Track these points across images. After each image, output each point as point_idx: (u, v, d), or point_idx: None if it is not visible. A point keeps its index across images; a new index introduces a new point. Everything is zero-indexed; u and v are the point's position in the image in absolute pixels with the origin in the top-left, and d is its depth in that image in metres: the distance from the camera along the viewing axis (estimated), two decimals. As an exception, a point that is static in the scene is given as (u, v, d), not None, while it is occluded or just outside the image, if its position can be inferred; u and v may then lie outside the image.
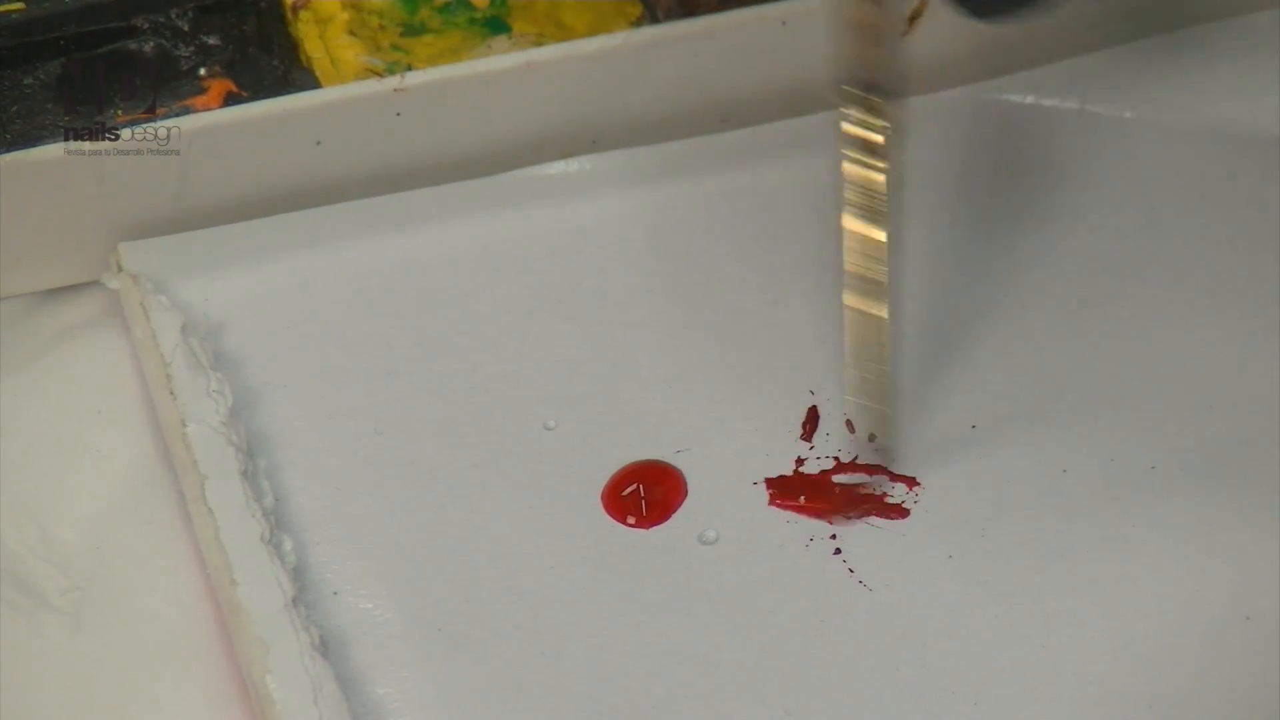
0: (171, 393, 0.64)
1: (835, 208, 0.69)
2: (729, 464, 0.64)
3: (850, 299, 0.62)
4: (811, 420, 0.65)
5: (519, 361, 0.67)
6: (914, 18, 0.73)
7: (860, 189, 0.62)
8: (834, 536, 0.63)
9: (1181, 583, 0.61)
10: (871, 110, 0.61)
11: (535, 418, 0.65)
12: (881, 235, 0.62)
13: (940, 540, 0.62)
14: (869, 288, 0.62)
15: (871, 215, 0.62)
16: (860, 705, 0.59)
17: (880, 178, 0.62)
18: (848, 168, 0.62)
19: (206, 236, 0.69)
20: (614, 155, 0.72)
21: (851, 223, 0.62)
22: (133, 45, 0.71)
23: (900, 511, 0.63)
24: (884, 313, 0.62)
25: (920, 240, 0.70)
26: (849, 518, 0.63)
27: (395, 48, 0.72)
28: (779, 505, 0.63)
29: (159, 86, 0.70)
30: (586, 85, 0.71)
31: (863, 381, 0.63)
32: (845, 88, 0.61)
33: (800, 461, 0.64)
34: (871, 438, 0.63)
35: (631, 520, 0.63)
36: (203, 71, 0.70)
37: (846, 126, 0.61)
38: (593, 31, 0.72)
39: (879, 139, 0.61)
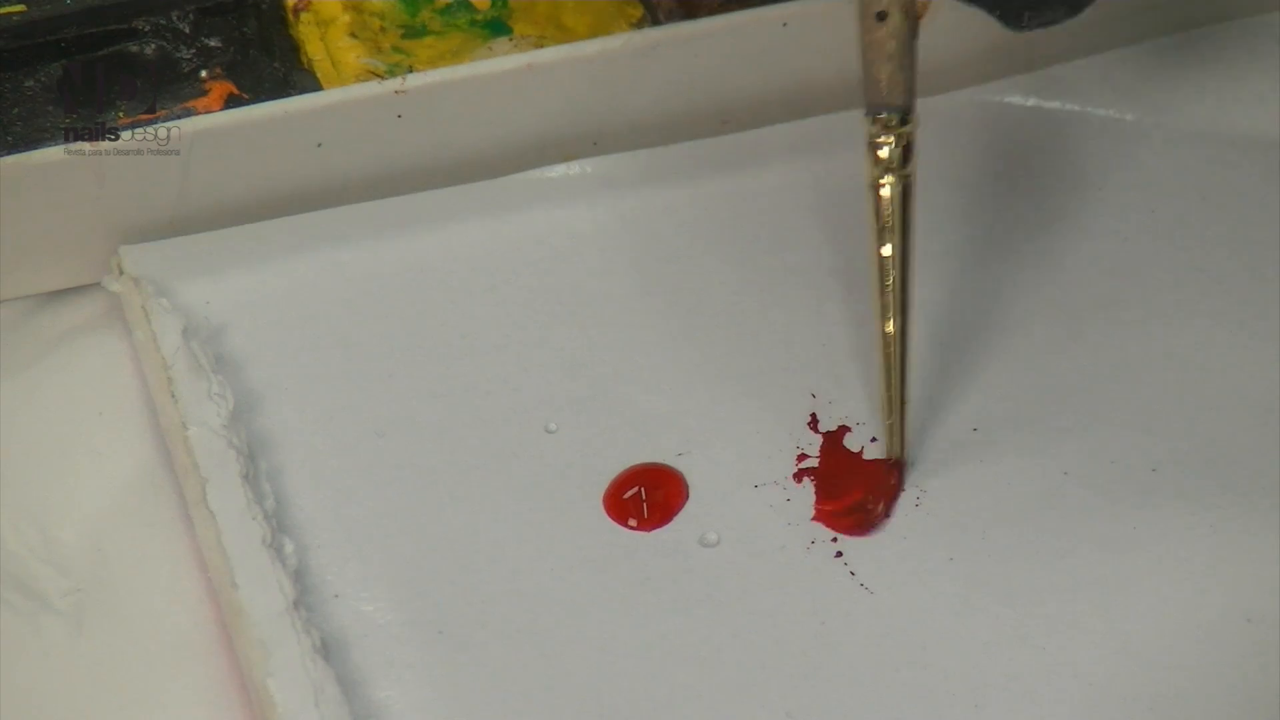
0: (173, 395, 0.64)
1: (837, 210, 0.70)
2: (730, 467, 0.64)
3: (878, 319, 0.62)
4: (813, 426, 0.65)
5: (520, 364, 0.67)
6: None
7: (884, 209, 0.62)
8: (835, 539, 0.63)
9: (1182, 585, 0.61)
10: (886, 128, 0.61)
11: (536, 420, 0.65)
12: (888, 250, 0.62)
13: (941, 543, 0.62)
14: (885, 302, 0.62)
15: (884, 232, 0.62)
16: (861, 708, 0.59)
17: (890, 194, 0.62)
18: (881, 192, 0.62)
19: (208, 239, 0.69)
20: (615, 158, 0.72)
21: (876, 243, 0.62)
22: (134, 47, 0.71)
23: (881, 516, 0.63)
24: (891, 327, 0.62)
25: (920, 243, 0.70)
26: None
27: (396, 50, 0.72)
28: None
29: (160, 88, 0.70)
30: (587, 87, 0.70)
31: (882, 396, 0.63)
32: (870, 111, 0.61)
33: (803, 456, 0.65)
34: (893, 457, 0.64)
35: (633, 523, 0.63)
36: (204, 73, 0.70)
37: (879, 152, 0.61)
38: (594, 33, 0.72)
39: (891, 156, 0.61)
